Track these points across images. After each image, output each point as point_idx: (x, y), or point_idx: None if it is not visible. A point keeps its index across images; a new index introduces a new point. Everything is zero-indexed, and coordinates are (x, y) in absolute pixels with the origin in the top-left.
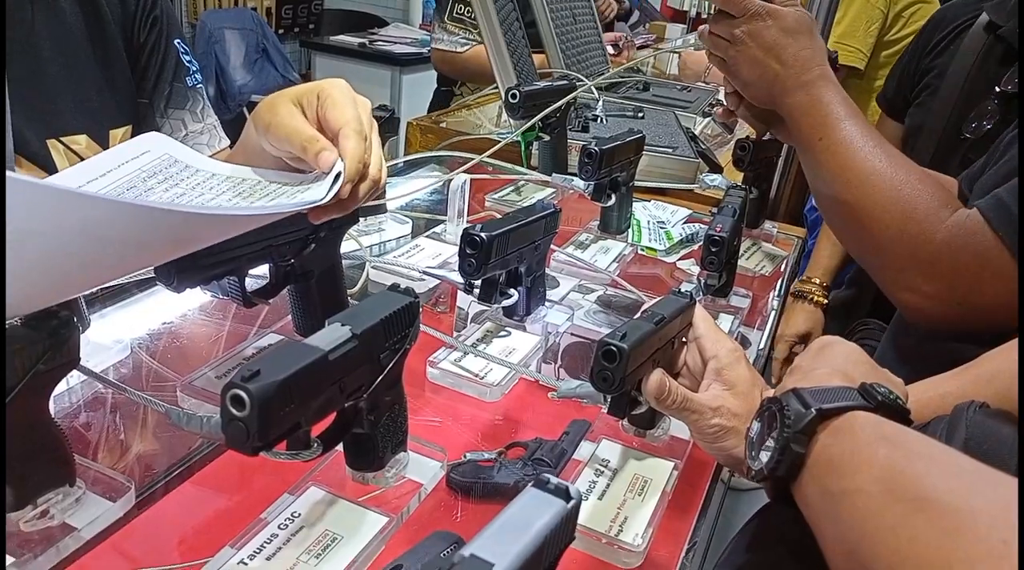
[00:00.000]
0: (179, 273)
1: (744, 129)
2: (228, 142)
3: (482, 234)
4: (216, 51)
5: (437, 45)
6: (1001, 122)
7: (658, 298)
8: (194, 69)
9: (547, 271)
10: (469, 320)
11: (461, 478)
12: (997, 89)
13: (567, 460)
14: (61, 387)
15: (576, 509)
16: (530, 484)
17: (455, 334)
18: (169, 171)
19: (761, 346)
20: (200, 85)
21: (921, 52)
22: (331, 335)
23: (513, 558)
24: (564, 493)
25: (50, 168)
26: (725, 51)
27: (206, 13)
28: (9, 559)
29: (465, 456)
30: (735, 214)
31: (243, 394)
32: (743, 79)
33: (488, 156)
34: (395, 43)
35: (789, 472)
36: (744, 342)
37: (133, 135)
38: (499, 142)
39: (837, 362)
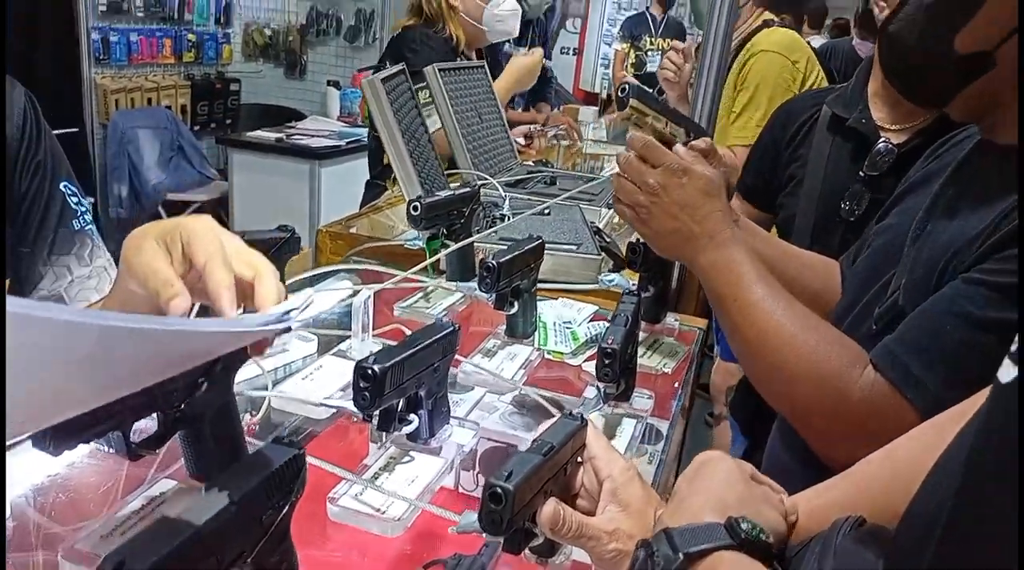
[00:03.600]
0: (55, 437)
1: None
2: None
3: (375, 367)
4: (129, 151)
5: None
6: (872, 202)
7: (552, 420)
8: (82, 210)
9: (457, 377)
10: (384, 436)
11: None
12: (861, 174)
13: None
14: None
15: None
16: None
17: (371, 445)
18: None
19: (673, 440)
20: (89, 226)
21: (779, 146)
22: (207, 506)
23: None
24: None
25: None
26: (633, 196)
27: (117, 114)
28: None
29: None
30: (627, 323)
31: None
32: (653, 228)
33: (396, 265)
34: (313, 136)
35: None
36: (656, 436)
37: (12, 289)
38: (406, 250)
39: (713, 487)
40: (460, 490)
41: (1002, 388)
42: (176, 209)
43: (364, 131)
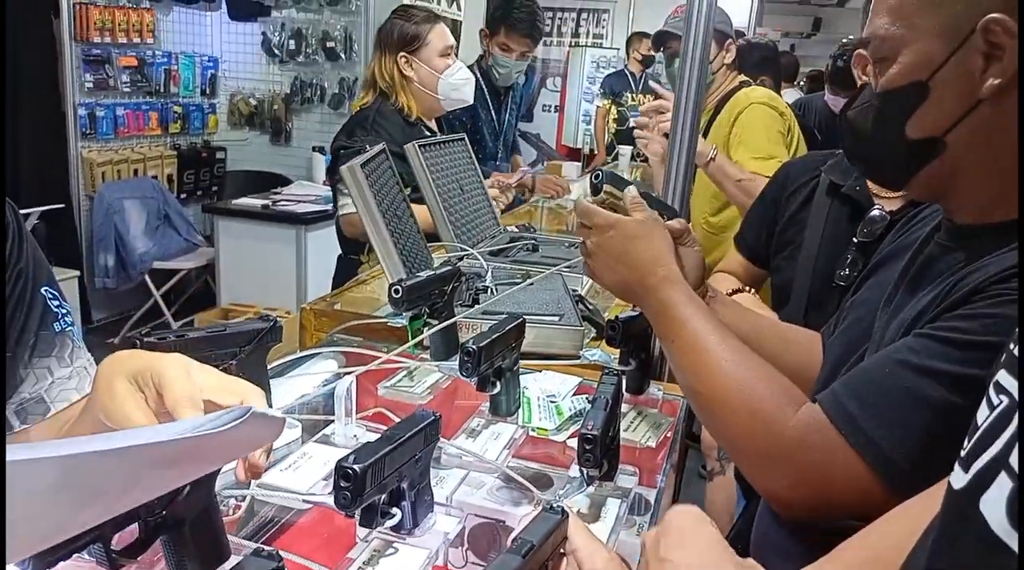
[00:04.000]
0: (35, 558)
1: None
2: None
3: (355, 467)
4: (116, 221)
5: (343, 211)
6: (865, 269)
7: (533, 513)
8: (63, 313)
9: (441, 457)
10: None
11: None
12: (855, 240)
13: None
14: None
15: None
16: None
17: (358, 529)
18: None
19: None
20: (70, 328)
21: (778, 204)
22: None
23: None
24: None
25: None
26: (586, 260)
27: (104, 186)
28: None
29: None
30: (607, 406)
31: None
32: (605, 284)
33: (381, 342)
34: (299, 202)
35: None
36: (645, 506)
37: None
38: (391, 326)
39: (695, 556)
40: (449, 567)
41: (955, 494)
42: (163, 277)
43: None
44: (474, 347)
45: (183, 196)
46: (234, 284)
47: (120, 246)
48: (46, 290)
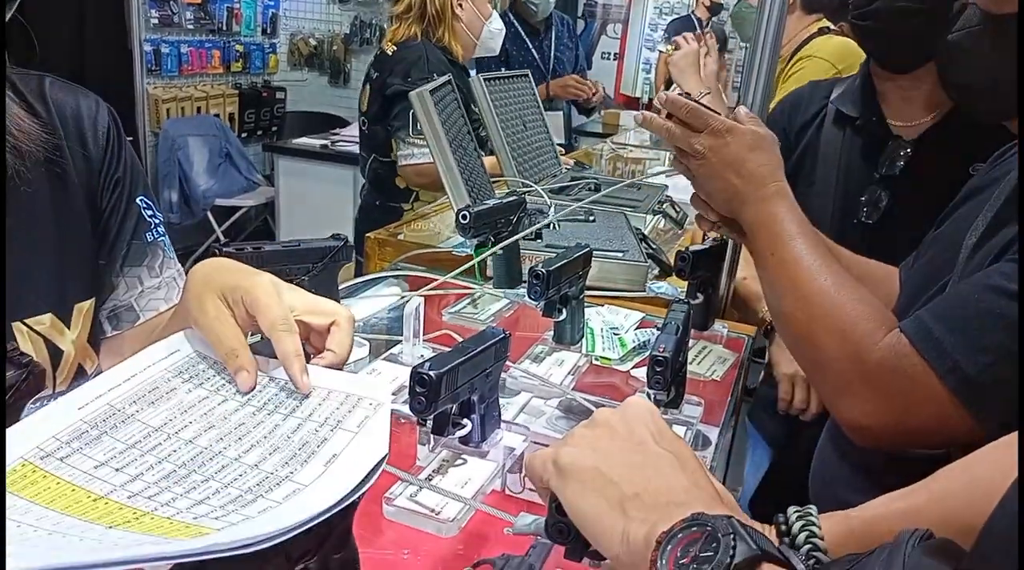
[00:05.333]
0: None
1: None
2: None
3: (430, 373)
4: (179, 158)
5: (407, 161)
6: (893, 204)
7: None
8: (155, 222)
9: (506, 381)
10: (431, 438)
11: None
12: (877, 175)
13: None
14: None
15: None
16: None
17: (419, 448)
18: (196, 369)
19: (722, 447)
20: (162, 238)
21: (788, 135)
22: None
23: None
24: None
25: None
26: (688, 161)
27: (168, 122)
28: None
29: None
30: (678, 331)
31: None
32: (705, 190)
33: (444, 271)
34: (356, 143)
35: None
36: (705, 442)
37: (97, 306)
38: (454, 257)
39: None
40: (507, 492)
41: None
42: (224, 214)
43: None
44: (543, 270)
45: (244, 135)
46: (292, 222)
47: (184, 182)
48: (141, 199)
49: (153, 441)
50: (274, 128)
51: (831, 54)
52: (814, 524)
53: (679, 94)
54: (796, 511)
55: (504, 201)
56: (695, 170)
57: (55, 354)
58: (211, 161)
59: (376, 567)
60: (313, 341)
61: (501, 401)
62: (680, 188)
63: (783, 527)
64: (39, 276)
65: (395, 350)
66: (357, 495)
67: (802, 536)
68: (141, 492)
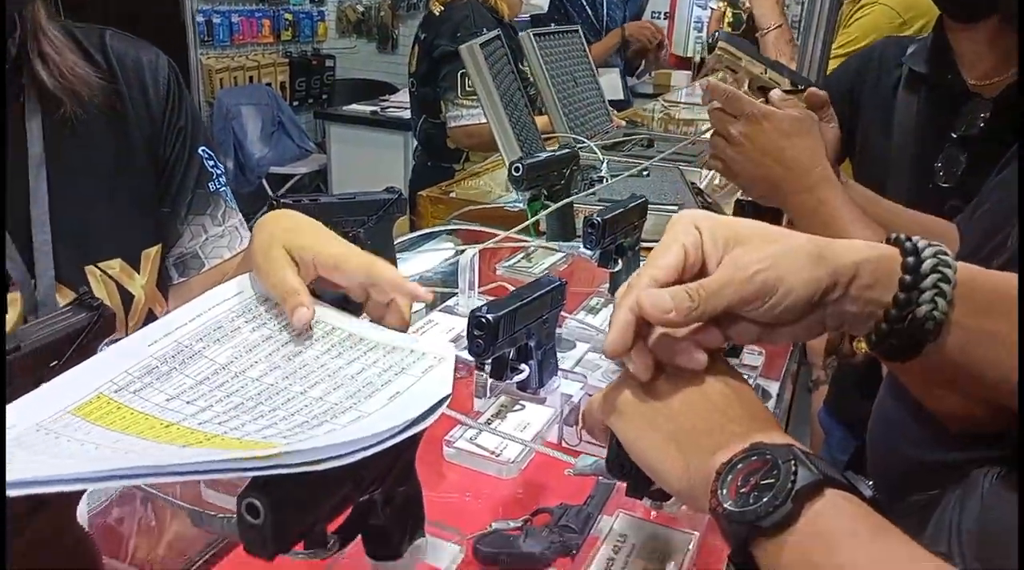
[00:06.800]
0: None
1: None
2: (249, 237)
3: (488, 316)
4: (234, 127)
5: (457, 123)
6: (972, 165)
7: None
8: (218, 173)
9: (562, 334)
10: (488, 389)
11: (487, 549)
12: (954, 135)
13: (593, 524)
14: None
15: None
16: None
17: (475, 401)
18: (258, 311)
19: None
20: (223, 189)
21: (852, 100)
22: None
23: None
24: None
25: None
26: (724, 150)
27: (222, 91)
28: None
29: (491, 526)
30: None
31: (257, 503)
32: (743, 178)
33: (496, 227)
34: (406, 109)
35: (772, 527)
36: (764, 395)
37: (164, 252)
38: (507, 212)
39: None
40: (564, 444)
41: None
42: (278, 182)
43: None
44: (598, 219)
45: (295, 103)
46: (344, 189)
47: (239, 151)
48: (203, 150)
49: (221, 378)
50: (324, 96)
51: (897, 2)
52: (946, 254)
53: (725, 37)
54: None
55: (557, 154)
56: (732, 157)
57: (126, 299)
58: (264, 130)
59: (437, 510)
60: (369, 311)
61: (557, 355)
62: None
63: (907, 245)
64: (106, 222)
65: (450, 302)
66: (421, 426)
67: (929, 262)
68: (211, 420)
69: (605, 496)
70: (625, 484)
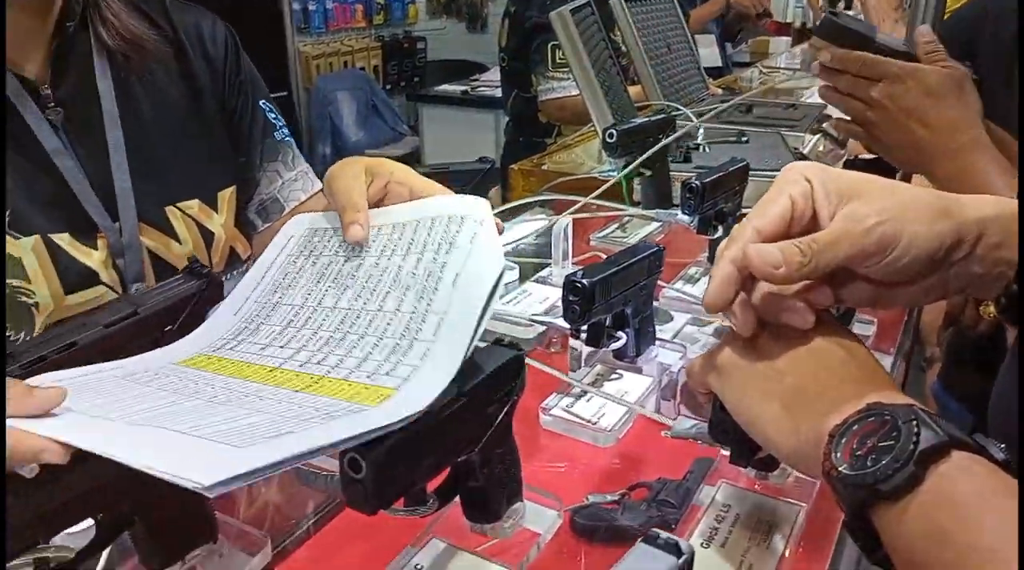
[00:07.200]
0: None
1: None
2: (320, 185)
3: (583, 280)
4: (331, 112)
5: (548, 96)
6: None
7: None
8: (280, 125)
9: (660, 306)
10: (583, 359)
11: (584, 522)
12: None
13: (692, 499)
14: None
15: (689, 563)
16: (639, 540)
17: (571, 361)
18: (312, 244)
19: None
20: (288, 138)
21: (970, 49)
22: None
23: None
24: (675, 548)
25: (171, 233)
26: (862, 113)
27: (320, 78)
28: None
29: (587, 498)
30: None
31: (359, 458)
32: (884, 144)
33: (590, 196)
34: (496, 87)
35: (893, 492)
36: None
37: (239, 194)
38: (601, 181)
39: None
40: (658, 422)
41: None
42: None
43: None
44: (697, 183)
45: (388, 87)
46: None
47: (336, 136)
48: (264, 103)
49: (303, 317)
50: (416, 78)
51: None
52: None
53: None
54: None
55: (652, 119)
56: (872, 121)
57: (207, 236)
58: (359, 113)
59: (533, 479)
60: None
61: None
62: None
63: None
64: (181, 166)
65: (544, 273)
66: (490, 311)
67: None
68: (309, 360)
69: (705, 471)
70: (727, 455)
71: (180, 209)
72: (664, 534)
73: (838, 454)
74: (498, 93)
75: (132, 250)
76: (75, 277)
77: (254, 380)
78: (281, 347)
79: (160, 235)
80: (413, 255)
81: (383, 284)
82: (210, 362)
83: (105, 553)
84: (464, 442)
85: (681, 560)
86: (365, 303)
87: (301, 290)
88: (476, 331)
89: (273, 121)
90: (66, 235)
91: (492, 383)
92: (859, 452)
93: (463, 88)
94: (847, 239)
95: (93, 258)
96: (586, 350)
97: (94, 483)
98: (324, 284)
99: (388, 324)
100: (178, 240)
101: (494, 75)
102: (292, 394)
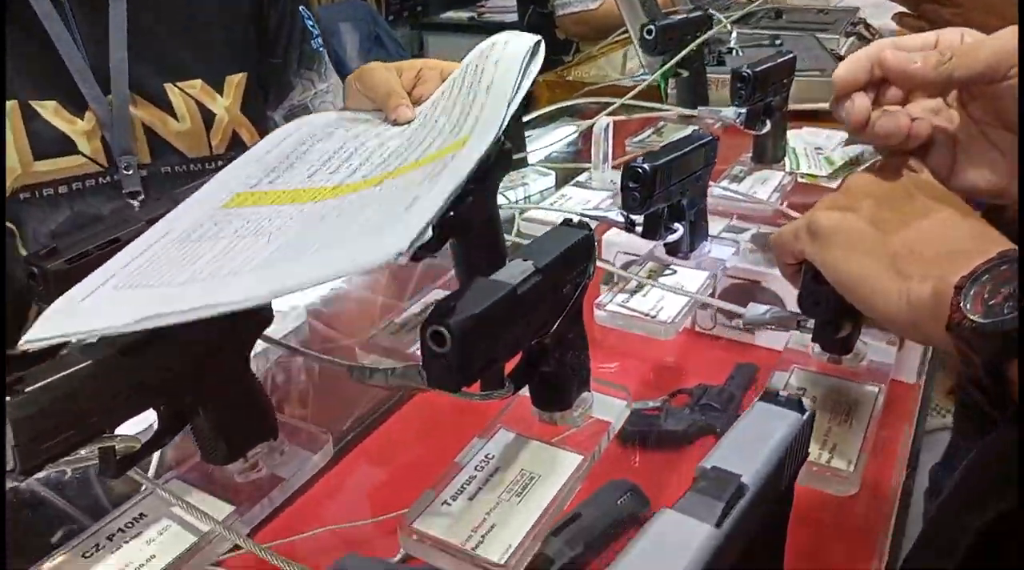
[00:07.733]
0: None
1: None
2: None
3: (645, 166)
4: (333, 44)
5: (566, 10)
6: None
7: None
8: (316, 34)
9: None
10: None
11: (631, 427)
12: None
13: (736, 404)
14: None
15: (810, 422)
16: (757, 399)
17: (603, 288)
18: (346, 123)
19: None
20: (322, 48)
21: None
22: (515, 270)
23: (759, 468)
24: (797, 405)
25: (168, 109)
26: (940, 15)
27: (321, 9)
28: (227, 509)
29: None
30: None
31: (443, 330)
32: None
33: (626, 96)
34: (505, 12)
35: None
36: None
37: (248, 83)
38: (633, 82)
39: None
40: (696, 329)
41: None
42: None
43: None
44: (749, 72)
45: (391, 18)
46: None
47: (339, 68)
48: (303, 9)
49: (350, 147)
50: (419, 7)
51: None
52: None
53: None
54: None
55: (689, 16)
56: (951, 21)
57: (207, 116)
58: (362, 46)
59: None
60: None
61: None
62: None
63: None
64: (191, 42)
65: (582, 177)
66: (527, 80)
67: None
68: (378, 164)
69: (747, 377)
70: (786, 345)
71: (180, 87)
72: (783, 392)
73: (968, 305)
74: (508, 17)
75: (121, 123)
76: (47, 143)
77: (303, 201)
78: (331, 172)
79: (156, 110)
80: (444, 116)
81: (429, 135)
82: (254, 200)
83: (168, 449)
84: (540, 322)
85: (804, 416)
86: (411, 146)
87: (335, 142)
88: (516, 95)
89: (311, 28)
90: (53, 103)
91: (565, 261)
92: (992, 302)
93: (470, 14)
94: (990, 45)
95: (77, 127)
96: (619, 261)
97: (156, 371)
98: (364, 137)
99: (420, 142)
100: (176, 117)
101: (500, 0)
102: (373, 190)
